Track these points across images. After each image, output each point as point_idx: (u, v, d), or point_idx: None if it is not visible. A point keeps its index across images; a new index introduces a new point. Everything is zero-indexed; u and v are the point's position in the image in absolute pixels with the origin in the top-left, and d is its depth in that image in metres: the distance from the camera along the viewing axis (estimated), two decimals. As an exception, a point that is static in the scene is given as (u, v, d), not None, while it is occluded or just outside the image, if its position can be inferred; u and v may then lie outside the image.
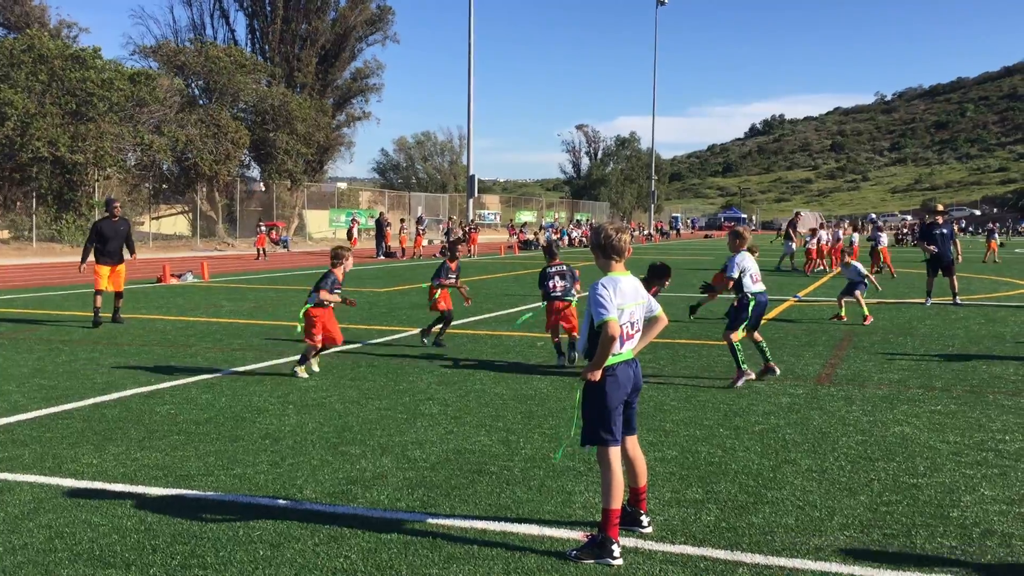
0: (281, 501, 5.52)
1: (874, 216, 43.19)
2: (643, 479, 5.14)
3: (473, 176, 54.69)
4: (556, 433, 7.24)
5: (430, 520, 5.19)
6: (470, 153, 55.98)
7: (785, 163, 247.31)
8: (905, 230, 66.57)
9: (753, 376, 9.52)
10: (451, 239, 9.99)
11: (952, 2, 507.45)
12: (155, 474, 6.07)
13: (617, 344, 4.79)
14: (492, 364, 10.68)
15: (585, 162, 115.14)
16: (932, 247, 17.88)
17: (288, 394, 8.78)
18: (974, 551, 4.75)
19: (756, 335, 9.77)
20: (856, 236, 33.75)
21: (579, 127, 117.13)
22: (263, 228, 39.22)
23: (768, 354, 9.67)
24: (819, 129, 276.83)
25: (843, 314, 15.12)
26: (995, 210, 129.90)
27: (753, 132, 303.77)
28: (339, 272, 10.17)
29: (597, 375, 4.77)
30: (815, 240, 29.49)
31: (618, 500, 4.74)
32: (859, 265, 15.58)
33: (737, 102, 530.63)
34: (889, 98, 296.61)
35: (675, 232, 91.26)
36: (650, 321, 5.19)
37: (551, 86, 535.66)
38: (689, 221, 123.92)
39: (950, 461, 6.50)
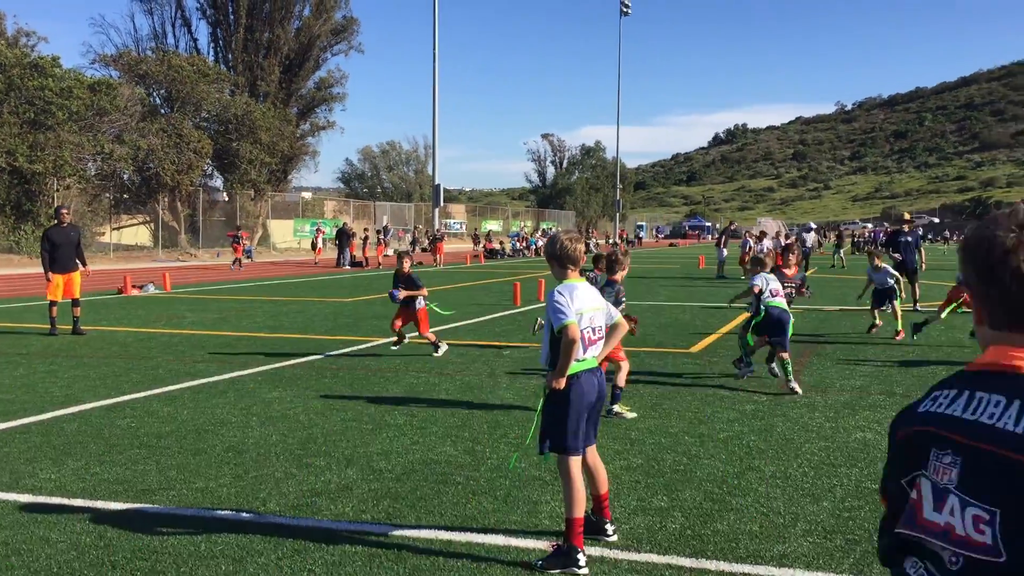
0: (244, 514, 5.46)
1: (813, 225, 43.62)
2: (604, 486, 5.15)
3: (439, 185, 54.61)
4: (523, 443, 7.23)
5: (395, 532, 5.15)
6: (435, 162, 55.94)
7: (748, 172, 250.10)
8: (864, 237, 67.39)
9: (746, 373, 10.27)
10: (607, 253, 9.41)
11: (911, 14, 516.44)
12: (115, 489, 5.98)
13: (580, 350, 4.80)
14: (458, 374, 10.66)
15: (551, 171, 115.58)
16: (897, 254, 18.15)
17: (251, 406, 8.69)
18: (935, 555, 4.79)
19: (782, 353, 9.71)
20: (810, 239, 34.01)
21: (545, 136, 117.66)
22: (240, 237, 38.92)
23: (790, 373, 9.54)
24: (781, 138, 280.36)
25: (878, 321, 14.48)
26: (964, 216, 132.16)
27: (716, 141, 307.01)
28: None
29: (562, 383, 4.77)
30: (757, 247, 29.66)
31: (580, 509, 4.74)
32: (888, 267, 14.57)
33: (700, 111, 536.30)
34: (849, 108, 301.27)
35: (637, 240, 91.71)
36: (611, 328, 5.20)
37: (517, 96, 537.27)
38: (654, 230, 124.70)
39: (911, 466, 6.57)
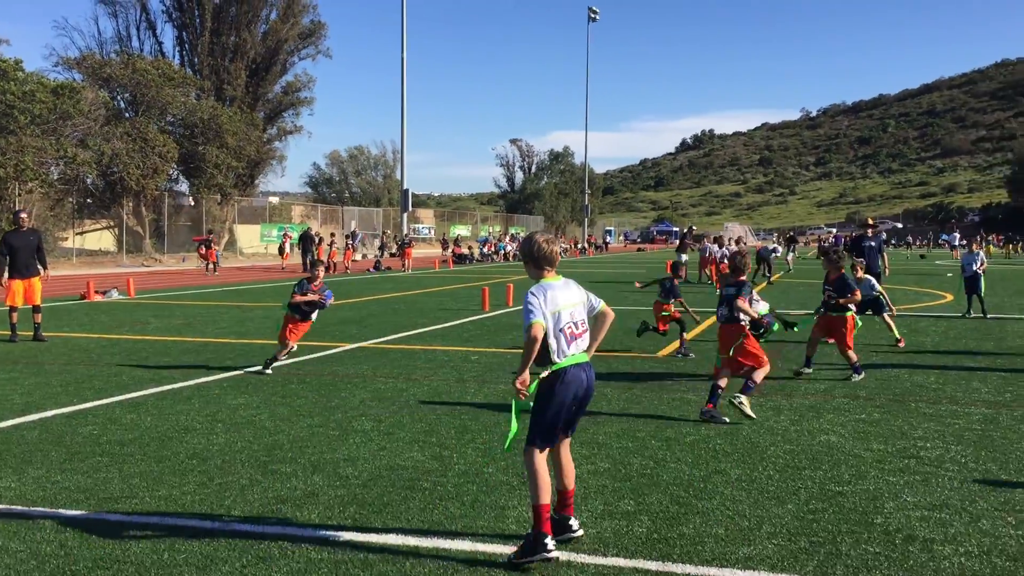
0: (208, 522, 5.40)
1: (772, 246, 43.97)
2: (571, 482, 5.17)
3: (407, 190, 54.54)
4: (490, 447, 7.23)
5: (361, 538, 5.12)
6: (403, 167, 55.86)
7: (715, 177, 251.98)
8: (828, 242, 68.14)
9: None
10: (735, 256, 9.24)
11: (875, 21, 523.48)
12: (76, 497, 5.90)
13: (564, 345, 4.88)
14: (426, 379, 10.63)
15: (519, 176, 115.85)
16: (861, 259, 18.33)
17: (216, 412, 8.61)
18: (897, 557, 4.85)
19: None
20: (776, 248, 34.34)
21: (513, 142, 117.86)
22: (211, 242, 38.67)
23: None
24: (747, 144, 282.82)
25: (899, 336, 13.76)
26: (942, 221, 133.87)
27: (684, 147, 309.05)
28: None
29: (524, 379, 4.80)
30: (709, 252, 29.85)
31: (545, 496, 4.81)
32: (872, 280, 14.32)
33: (668, 117, 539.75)
34: (814, 114, 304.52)
35: (605, 246, 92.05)
36: (596, 317, 5.21)
37: (485, 101, 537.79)
38: (623, 235, 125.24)
39: (874, 468, 6.65)
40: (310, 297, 11.03)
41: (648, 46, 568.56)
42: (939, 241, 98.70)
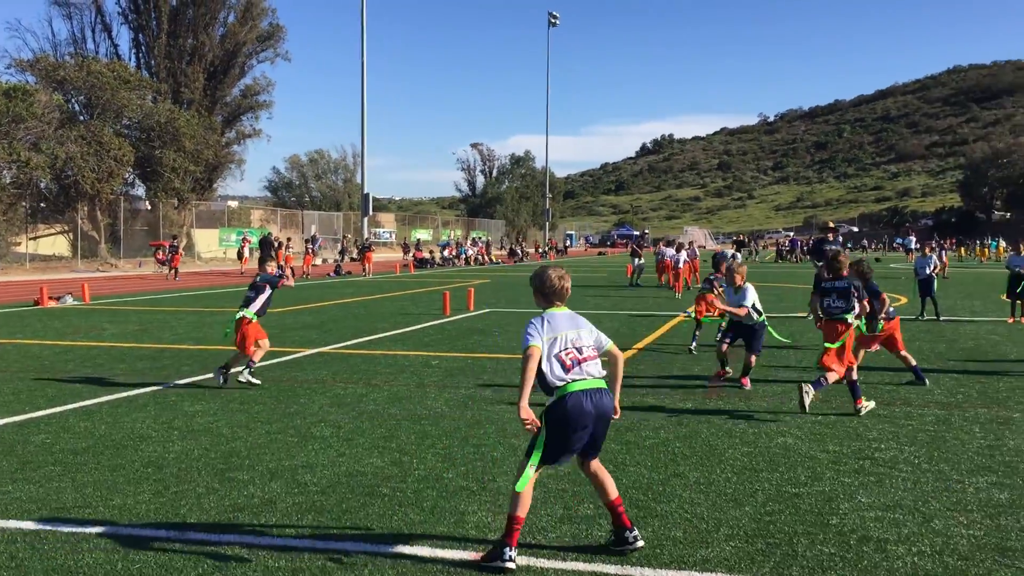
0: (163, 531, 5.33)
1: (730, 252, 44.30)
2: (613, 491, 5.14)
3: (367, 194, 54.34)
4: (450, 453, 7.22)
5: (320, 545, 5.09)
6: (364, 171, 55.65)
7: (675, 181, 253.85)
8: (786, 245, 69.01)
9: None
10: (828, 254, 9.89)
11: (829, 28, 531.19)
12: (28, 507, 5.79)
13: (559, 370, 4.91)
14: (386, 384, 10.58)
15: (480, 180, 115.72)
16: (821, 263, 18.58)
17: (173, 420, 8.50)
18: (851, 557, 4.92)
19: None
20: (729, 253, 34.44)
21: (474, 145, 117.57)
22: (176, 246, 38.27)
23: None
24: (707, 149, 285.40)
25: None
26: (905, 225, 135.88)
27: (644, 151, 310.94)
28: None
29: (522, 409, 4.81)
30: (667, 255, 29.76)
31: (519, 510, 4.85)
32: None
33: (628, 122, 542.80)
34: (772, 119, 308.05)
35: (565, 249, 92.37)
36: (607, 359, 5.16)
37: (446, 104, 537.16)
38: (583, 239, 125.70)
39: (830, 470, 6.74)
40: (288, 281, 11.45)
41: (609, 51, 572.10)
42: (894, 244, 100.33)
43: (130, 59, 57.57)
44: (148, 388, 10.24)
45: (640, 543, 4.99)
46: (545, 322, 5.04)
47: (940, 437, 7.84)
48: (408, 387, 10.40)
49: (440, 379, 10.98)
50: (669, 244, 31.18)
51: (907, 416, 8.74)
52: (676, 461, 6.98)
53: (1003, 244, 71.44)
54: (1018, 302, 18.46)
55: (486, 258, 59.33)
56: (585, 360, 5.00)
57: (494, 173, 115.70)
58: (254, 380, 10.30)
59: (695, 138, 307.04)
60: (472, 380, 10.85)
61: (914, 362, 10.86)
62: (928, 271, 18.75)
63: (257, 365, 10.57)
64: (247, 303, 10.61)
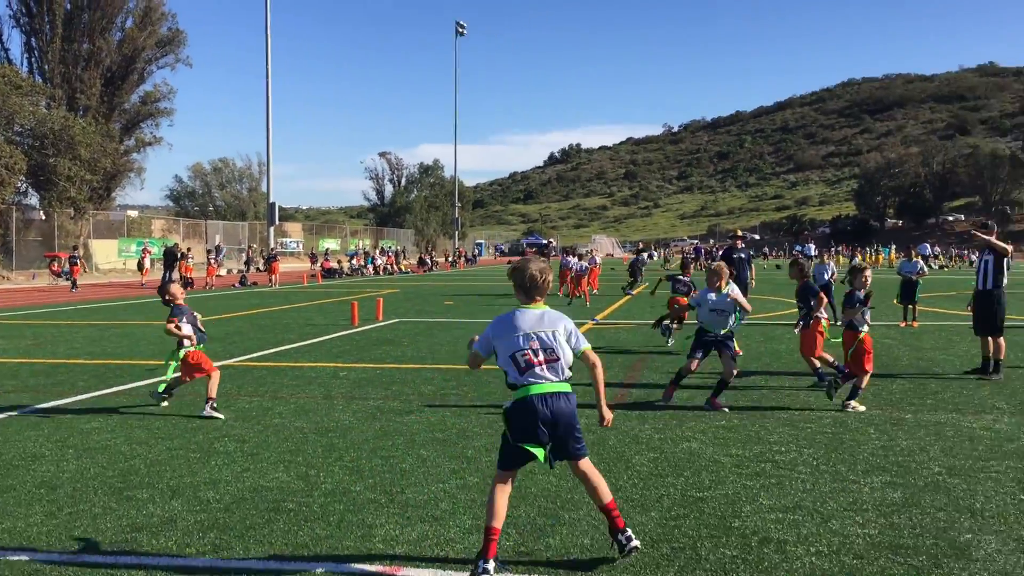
0: (57, 555, 5.12)
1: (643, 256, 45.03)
2: (606, 496, 5.08)
3: (274, 204, 53.47)
4: (358, 465, 7.13)
5: (222, 564, 4.96)
6: (270, 180, 54.74)
7: (583, 191, 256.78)
8: (691, 253, 70.49)
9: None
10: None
11: (730, 40, 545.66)
12: (-91, 534, 5.50)
13: (516, 373, 4.91)
14: (292, 397, 10.40)
15: (389, 189, 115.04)
16: (731, 270, 18.99)
17: (68, 438, 8.19)
18: (753, 559, 5.03)
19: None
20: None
21: (382, 154, 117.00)
22: (77, 258, 36.99)
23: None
24: (613, 158, 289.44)
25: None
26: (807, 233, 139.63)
27: (552, 160, 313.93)
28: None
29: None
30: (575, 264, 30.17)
31: (492, 520, 4.81)
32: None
33: (536, 131, 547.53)
34: (676, 130, 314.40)
35: (474, 259, 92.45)
36: (584, 362, 5.06)
37: (354, 113, 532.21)
38: (493, 248, 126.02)
39: (733, 473, 6.88)
40: (184, 333, 9.46)
41: (517, 60, 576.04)
42: (793, 252, 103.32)
43: (22, 64, 55.42)
44: (41, 405, 9.84)
45: (634, 543, 4.95)
46: (507, 321, 4.97)
47: (837, 439, 8.10)
48: (315, 399, 10.24)
49: (348, 390, 10.85)
50: (572, 253, 31.51)
51: (806, 419, 9.00)
52: (584, 468, 7.03)
53: (895, 250, 74.33)
54: (910, 306, 19.23)
55: (395, 268, 58.98)
56: (544, 363, 4.90)
57: (403, 182, 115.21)
58: (217, 414, 9.18)
59: (602, 148, 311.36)
60: (381, 391, 10.76)
61: (818, 365, 11.14)
62: (826, 277, 19.34)
63: (145, 382, 10.25)
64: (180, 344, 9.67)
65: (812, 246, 72.69)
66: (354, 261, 56.98)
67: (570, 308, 24.34)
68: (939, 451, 7.60)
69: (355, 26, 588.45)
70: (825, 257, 22.05)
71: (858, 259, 56.96)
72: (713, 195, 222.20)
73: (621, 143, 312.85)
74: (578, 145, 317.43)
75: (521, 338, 4.92)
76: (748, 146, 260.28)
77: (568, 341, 4.98)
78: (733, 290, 10.00)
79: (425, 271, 62.51)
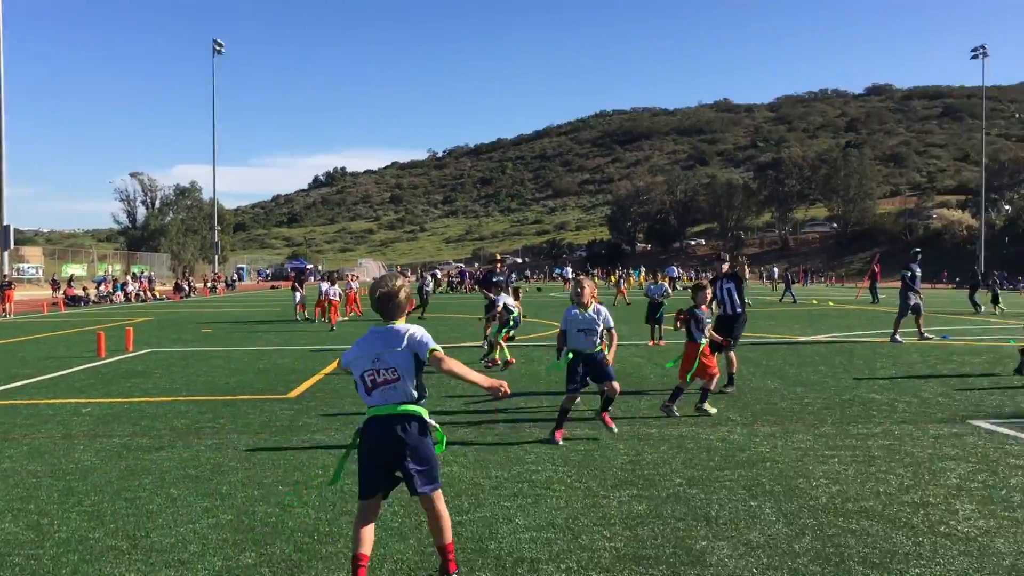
0: None
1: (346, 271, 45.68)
2: (444, 536, 4.98)
3: (8, 226, 49.14)
4: (98, 510, 6.65)
5: (-66, 631, 4.47)
6: (2, 202, 50.31)
7: (348, 214, 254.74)
8: (456, 276, 71.69)
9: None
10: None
11: (490, 68, 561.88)
12: None
13: (363, 394, 4.80)
14: (25, 438, 9.56)
15: (142, 211, 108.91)
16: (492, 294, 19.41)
17: None
18: (508, 579, 5.15)
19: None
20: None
21: (134, 175, 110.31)
22: None
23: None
24: (379, 182, 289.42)
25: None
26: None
27: (317, 183, 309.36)
28: None
29: None
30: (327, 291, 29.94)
31: (356, 547, 4.81)
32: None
33: (300, 153, 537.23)
34: (440, 155, 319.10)
35: (234, 284, 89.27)
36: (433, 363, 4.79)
37: (102, 130, 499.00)
38: (256, 272, 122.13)
39: (491, 495, 7.02)
40: None
41: (277, 81, 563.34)
42: (553, 275, 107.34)
43: None
44: None
45: None
46: (364, 339, 4.86)
47: (590, 456, 8.45)
48: (52, 439, 9.46)
49: (91, 428, 10.11)
50: (326, 279, 31.30)
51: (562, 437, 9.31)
52: (345, 500, 6.93)
53: (644, 273, 78.89)
54: (656, 326, 20.51)
55: (149, 294, 55.79)
56: (384, 384, 4.74)
57: (157, 204, 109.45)
58: None
59: (367, 171, 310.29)
60: (128, 427, 10.11)
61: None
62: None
63: None
64: None
65: (568, 268, 75.83)
66: (102, 288, 53.36)
67: (333, 334, 24.03)
68: (680, 463, 8.11)
69: (101, 37, 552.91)
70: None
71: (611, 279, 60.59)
72: (477, 219, 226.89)
73: (387, 167, 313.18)
74: (343, 168, 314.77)
75: (370, 358, 4.79)
76: (509, 172, 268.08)
77: (411, 359, 4.77)
78: (602, 310, 9.44)
79: (182, 297, 59.55)
